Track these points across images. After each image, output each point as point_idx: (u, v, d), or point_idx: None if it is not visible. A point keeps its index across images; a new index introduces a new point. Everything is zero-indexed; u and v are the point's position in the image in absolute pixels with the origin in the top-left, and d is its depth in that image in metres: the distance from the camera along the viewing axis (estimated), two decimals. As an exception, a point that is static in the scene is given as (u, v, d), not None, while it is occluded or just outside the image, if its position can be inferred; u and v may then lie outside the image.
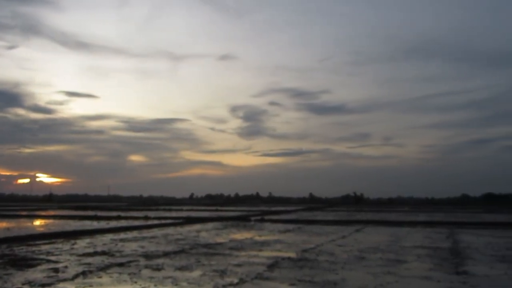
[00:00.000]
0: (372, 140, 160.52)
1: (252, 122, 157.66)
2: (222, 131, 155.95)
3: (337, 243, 14.55)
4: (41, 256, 10.87)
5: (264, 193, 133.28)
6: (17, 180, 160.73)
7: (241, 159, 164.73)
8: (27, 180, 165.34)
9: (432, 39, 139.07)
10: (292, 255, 11.57)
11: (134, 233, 17.75)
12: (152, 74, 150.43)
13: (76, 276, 8.36)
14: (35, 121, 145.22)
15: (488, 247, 13.81)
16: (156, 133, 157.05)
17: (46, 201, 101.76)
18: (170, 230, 19.44)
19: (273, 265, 9.83)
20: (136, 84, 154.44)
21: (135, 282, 7.82)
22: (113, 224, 22.67)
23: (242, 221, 27.17)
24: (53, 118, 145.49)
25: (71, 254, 11.31)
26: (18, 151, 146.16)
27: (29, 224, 23.01)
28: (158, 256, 11.07)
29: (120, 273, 8.67)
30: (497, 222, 26.74)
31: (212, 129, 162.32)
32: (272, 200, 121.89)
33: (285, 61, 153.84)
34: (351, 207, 66.02)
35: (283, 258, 10.86)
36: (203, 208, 54.97)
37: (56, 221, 25.34)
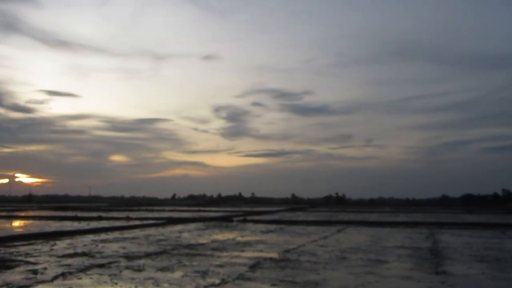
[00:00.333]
0: (354, 141, 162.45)
1: (235, 123, 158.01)
2: (205, 131, 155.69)
3: (319, 244, 14.63)
4: (20, 258, 10.69)
5: (246, 194, 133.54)
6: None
7: (224, 159, 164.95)
8: (6, 181, 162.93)
9: (414, 42, 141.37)
10: (274, 255, 11.59)
11: (115, 234, 17.58)
12: (135, 74, 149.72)
13: (55, 277, 8.24)
14: (14, 121, 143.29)
15: (467, 247, 14.03)
16: (138, 133, 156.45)
17: (26, 201, 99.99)
18: (151, 231, 19.31)
19: (255, 265, 9.84)
20: (118, 83, 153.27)
21: (116, 283, 7.75)
22: (94, 225, 22.42)
23: (224, 221, 27.10)
24: (33, 118, 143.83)
25: (51, 255, 11.14)
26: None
27: (7, 225, 22.62)
28: (139, 257, 10.98)
29: (100, 274, 8.58)
30: (476, 222, 27.19)
31: (195, 129, 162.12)
32: (254, 200, 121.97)
33: (269, 61, 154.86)
34: (333, 208, 66.39)
35: (265, 259, 10.87)
36: (185, 208, 54.71)
37: (36, 222, 24.96)
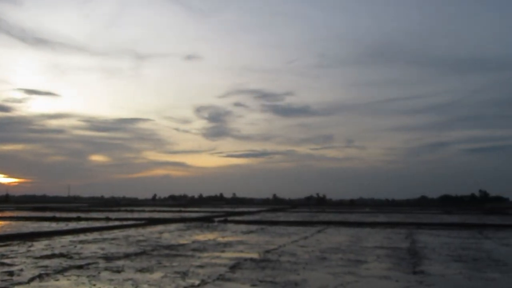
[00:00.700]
0: (335, 142, 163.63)
1: (217, 123, 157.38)
2: (187, 131, 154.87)
3: (299, 244, 14.70)
4: (-5, 259, 10.49)
5: (228, 194, 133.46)
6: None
7: (206, 160, 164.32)
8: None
9: (395, 44, 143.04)
10: (255, 256, 11.61)
11: (95, 235, 17.37)
12: (115, 73, 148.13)
13: (32, 279, 8.11)
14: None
15: (444, 247, 14.25)
16: (119, 133, 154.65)
17: (3, 202, 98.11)
18: (131, 232, 19.14)
19: (235, 266, 9.84)
20: (99, 82, 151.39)
21: (94, 285, 7.66)
22: (73, 225, 22.12)
23: (205, 222, 27.03)
24: (10, 116, 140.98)
25: (27, 257, 10.96)
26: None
27: (-17, 225, 22.16)
28: (118, 258, 10.87)
29: (78, 276, 8.46)
30: (453, 223, 27.65)
31: (177, 129, 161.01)
32: (236, 201, 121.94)
33: (251, 62, 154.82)
34: (314, 208, 66.77)
35: (245, 259, 10.88)
36: (166, 209, 54.37)
37: (13, 223, 24.51)
